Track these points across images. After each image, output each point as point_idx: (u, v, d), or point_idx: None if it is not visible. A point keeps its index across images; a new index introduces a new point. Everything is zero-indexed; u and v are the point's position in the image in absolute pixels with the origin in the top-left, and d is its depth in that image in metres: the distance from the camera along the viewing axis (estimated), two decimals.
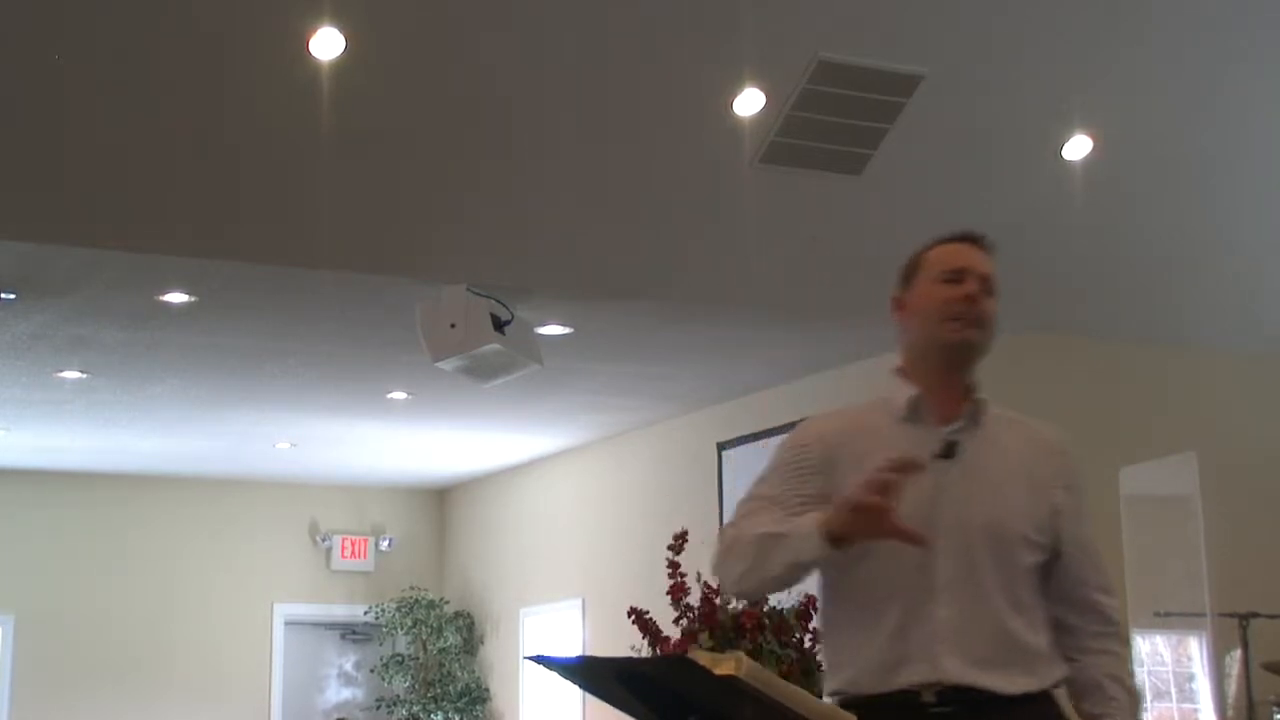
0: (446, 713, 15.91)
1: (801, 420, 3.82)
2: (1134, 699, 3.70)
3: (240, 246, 8.32)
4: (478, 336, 8.72)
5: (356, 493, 16.89)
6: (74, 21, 6.99)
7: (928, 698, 3.49)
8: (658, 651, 6.02)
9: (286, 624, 16.57)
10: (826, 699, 3.66)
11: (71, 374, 11.21)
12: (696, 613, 6.02)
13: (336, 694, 16.95)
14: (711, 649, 5.73)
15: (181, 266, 8.71)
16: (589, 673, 4.00)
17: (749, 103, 7.94)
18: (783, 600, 5.99)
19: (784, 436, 3.81)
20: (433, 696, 15.94)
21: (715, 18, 7.57)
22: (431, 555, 17.30)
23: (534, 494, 15.58)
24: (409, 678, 16.13)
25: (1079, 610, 3.68)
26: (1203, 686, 9.64)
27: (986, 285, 3.68)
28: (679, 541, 6.24)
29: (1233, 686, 9.10)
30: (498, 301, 8.83)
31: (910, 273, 3.81)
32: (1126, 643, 3.79)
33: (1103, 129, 8.48)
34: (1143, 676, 9.57)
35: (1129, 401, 9.77)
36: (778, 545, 3.50)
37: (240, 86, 7.44)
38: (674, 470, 13.22)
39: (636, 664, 3.69)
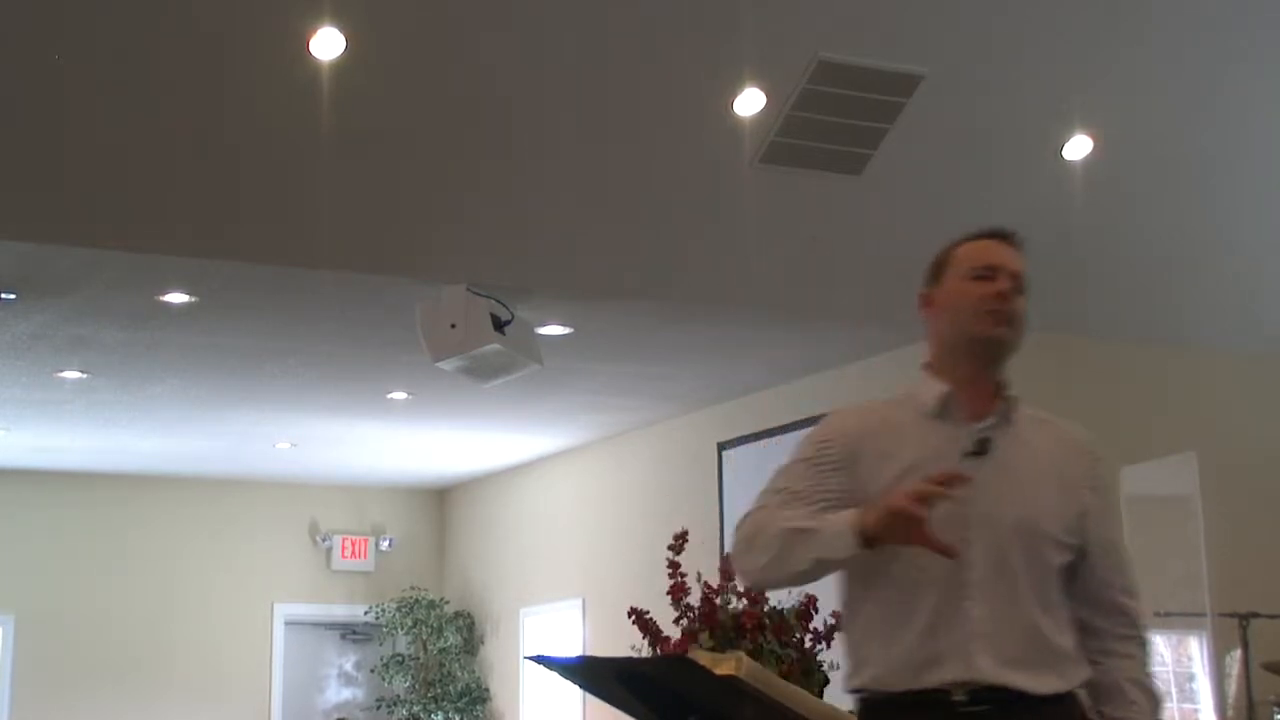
0: (447, 713, 15.91)
1: (824, 415, 3.80)
2: (1155, 703, 3.69)
3: (240, 246, 8.32)
4: (478, 336, 8.72)
5: (357, 493, 16.89)
6: (74, 21, 6.99)
7: (959, 697, 3.47)
8: (658, 651, 6.01)
9: (287, 624, 16.57)
10: (848, 696, 3.65)
11: (71, 374, 11.21)
12: (697, 613, 6.01)
13: (337, 694, 16.94)
14: (712, 649, 5.72)
15: (181, 266, 8.71)
16: (589, 673, 4.01)
17: (749, 103, 7.94)
18: (783, 600, 5.98)
19: (808, 430, 3.77)
20: (433, 696, 15.93)
21: (715, 18, 7.57)
22: (432, 555, 17.30)
23: (534, 494, 15.58)
24: (409, 678, 16.13)
25: (1104, 612, 3.67)
26: (1203, 686, 9.64)
27: (1018, 283, 3.66)
28: (679, 541, 6.22)
29: (1233, 686, 9.10)
30: (498, 301, 8.82)
31: (939, 269, 3.74)
32: (1148, 645, 3.76)
33: (1103, 129, 8.48)
34: None
35: (1129, 401, 9.77)
36: (806, 541, 3.48)
37: (240, 86, 7.44)
38: (674, 470, 13.22)
39: (637, 664, 3.69)
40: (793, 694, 3.39)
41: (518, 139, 8.03)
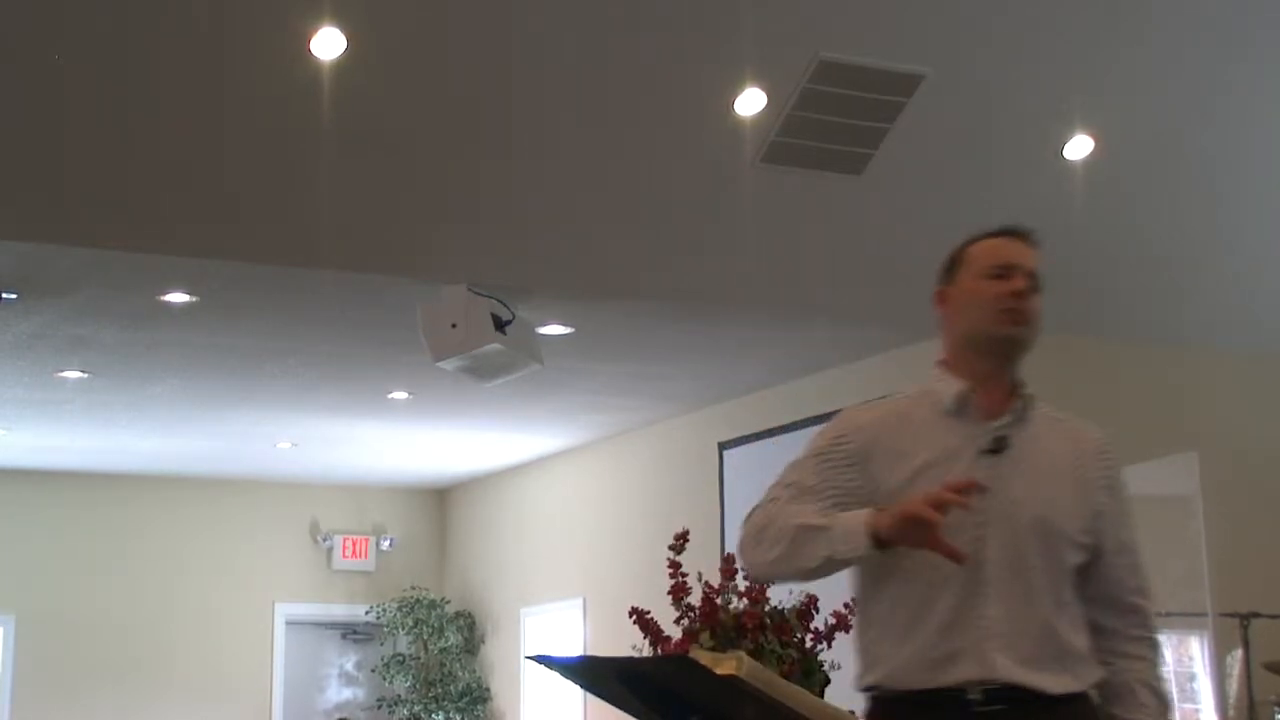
0: (447, 712, 15.91)
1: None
2: (1165, 707, 3.68)
3: (240, 246, 8.32)
4: (479, 336, 8.72)
5: (357, 492, 16.89)
6: (74, 21, 6.99)
7: (974, 695, 3.46)
8: (659, 651, 6.00)
9: (287, 624, 16.58)
10: (859, 694, 3.64)
11: (72, 374, 11.21)
12: (697, 612, 6.00)
13: (337, 694, 16.95)
14: (712, 649, 5.71)
15: (182, 266, 8.71)
16: (590, 672, 4.00)
17: (750, 102, 7.94)
18: (784, 600, 5.98)
19: (822, 425, 3.76)
20: (434, 696, 15.94)
21: (715, 18, 7.57)
22: (432, 555, 17.30)
23: (535, 494, 15.58)
24: (410, 677, 16.13)
25: (1117, 613, 3.66)
26: (1204, 686, 9.64)
27: (1034, 281, 3.66)
28: (680, 541, 6.22)
29: (1234, 686, 9.10)
30: (499, 301, 8.82)
31: (953, 267, 3.74)
32: (1159, 648, 3.75)
33: (1103, 129, 8.48)
34: None
35: (1129, 401, 9.76)
36: (817, 538, 3.47)
37: (240, 86, 7.44)
38: (675, 470, 13.22)
39: (637, 664, 3.68)
40: (794, 694, 3.38)
41: (518, 139, 8.03)
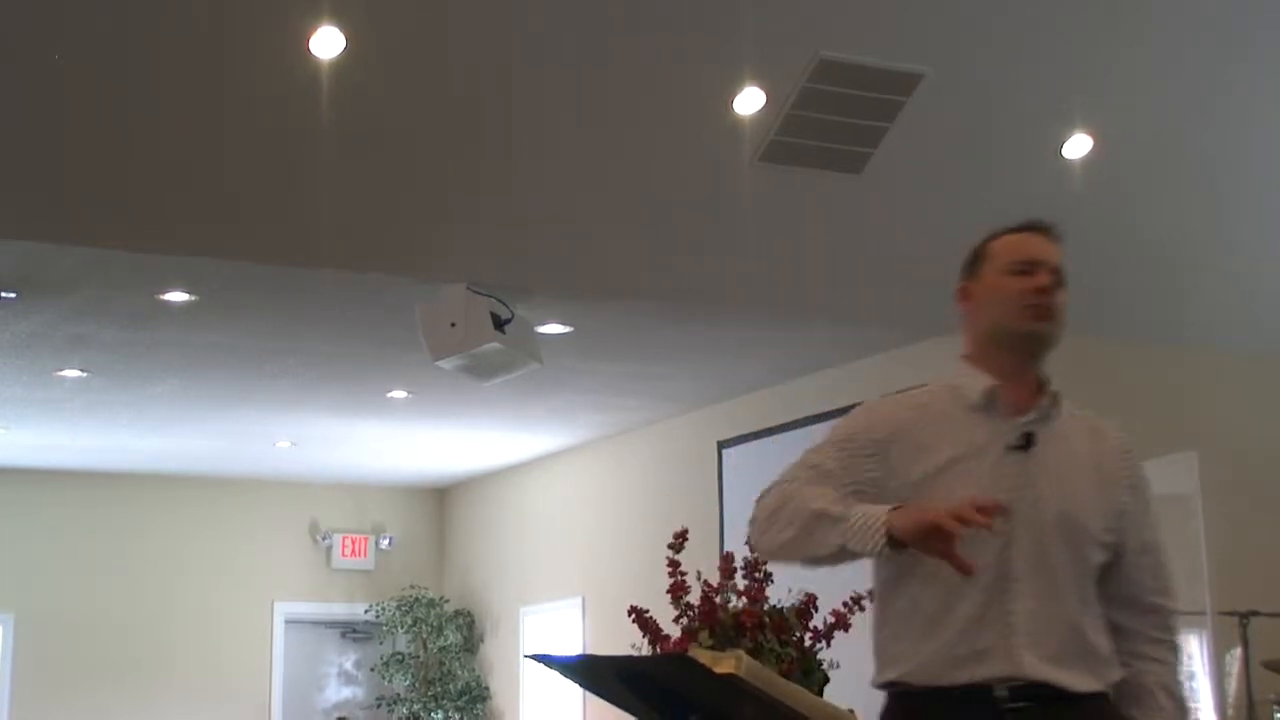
0: (447, 711, 15.92)
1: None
2: (1184, 712, 3.67)
3: (240, 246, 8.32)
4: (478, 335, 8.72)
5: (357, 491, 16.89)
6: (74, 21, 6.98)
7: (1000, 693, 3.44)
8: (658, 650, 6.01)
9: (287, 623, 16.58)
10: (879, 690, 3.62)
11: (71, 373, 11.22)
12: (696, 611, 6.01)
13: (337, 693, 16.95)
14: (712, 647, 5.71)
15: (182, 266, 8.71)
16: (589, 671, 4.00)
17: (749, 101, 7.94)
18: (783, 599, 5.99)
19: (846, 415, 3.73)
20: (433, 695, 15.94)
21: (715, 17, 7.57)
22: (432, 554, 17.30)
23: (534, 493, 15.58)
24: (409, 676, 16.13)
25: (1137, 613, 3.64)
26: (1203, 685, 9.64)
27: (1058, 277, 3.65)
28: (679, 540, 6.22)
29: (1233, 685, 9.10)
30: (498, 300, 8.83)
31: (976, 262, 3.73)
32: (1180, 650, 3.72)
33: (1103, 129, 8.48)
34: None
35: (1129, 401, 9.76)
36: (833, 527, 3.43)
37: (240, 86, 7.44)
38: (674, 469, 13.22)
39: (637, 662, 3.69)
40: (793, 693, 3.38)
41: (517, 139, 8.03)
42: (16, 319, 9.67)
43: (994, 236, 3.75)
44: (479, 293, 8.72)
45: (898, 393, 3.76)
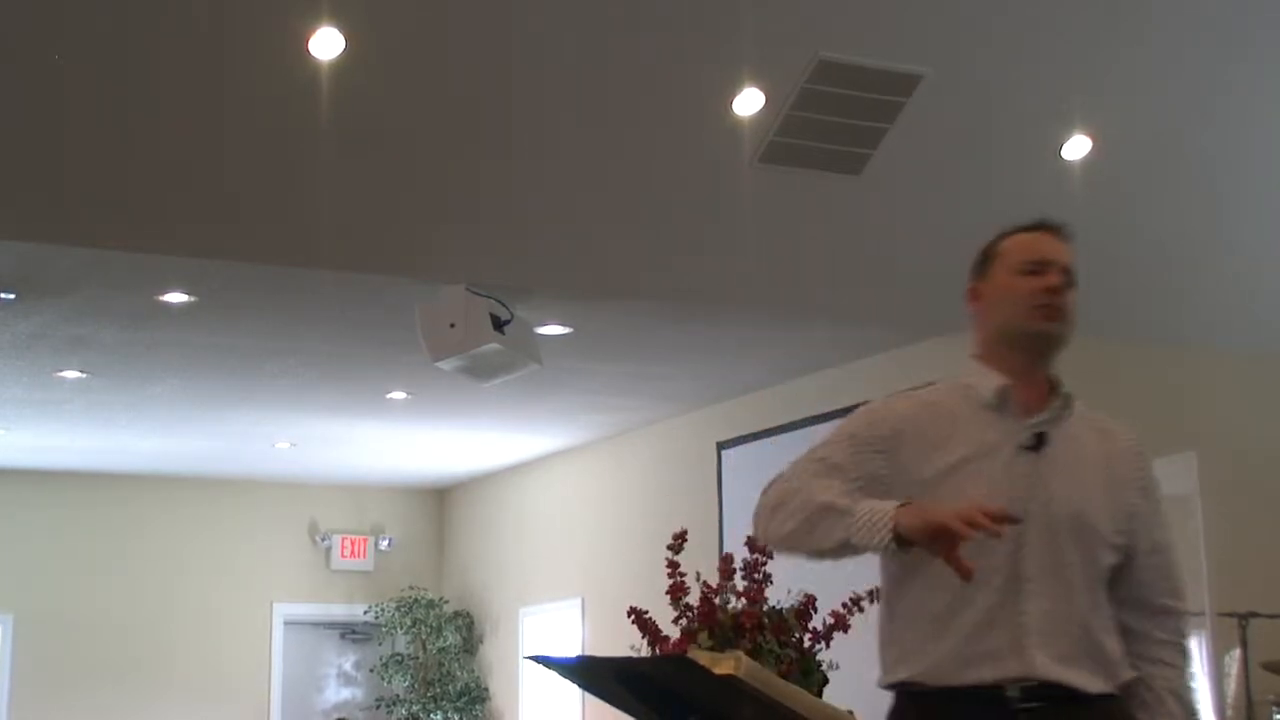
0: (446, 712, 15.92)
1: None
2: (1192, 716, 3.65)
3: (240, 246, 8.31)
4: (477, 336, 8.72)
5: (356, 492, 16.90)
6: (74, 21, 6.97)
7: (1013, 693, 3.43)
8: (657, 651, 6.00)
9: (286, 624, 16.58)
10: (885, 690, 3.62)
11: (71, 374, 11.22)
12: (696, 612, 6.00)
13: (336, 694, 16.95)
14: (711, 648, 5.71)
15: (181, 266, 8.71)
16: (588, 672, 4.00)
17: (748, 102, 7.93)
18: (782, 600, 5.99)
19: (856, 411, 3.71)
20: (432, 696, 15.94)
21: (715, 17, 7.56)
22: (431, 555, 17.31)
23: (533, 494, 15.59)
24: (408, 677, 16.14)
25: (1147, 615, 3.64)
26: (1201, 686, 9.63)
27: (1069, 276, 3.64)
28: (678, 541, 6.22)
29: (1232, 686, 9.09)
30: (497, 301, 8.82)
31: (986, 262, 3.72)
32: (1189, 654, 3.71)
33: (1103, 129, 8.47)
34: None
35: (1129, 401, 9.75)
36: (839, 521, 3.42)
37: (240, 86, 7.43)
38: (674, 470, 13.23)
39: (636, 663, 3.68)
40: (792, 693, 3.38)
41: (517, 139, 8.02)
42: (16, 320, 9.67)
43: (1004, 236, 3.74)
44: (478, 293, 8.72)
45: (909, 390, 3.74)
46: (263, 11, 7.14)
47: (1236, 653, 8.82)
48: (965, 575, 3.34)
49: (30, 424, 13.06)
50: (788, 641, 5.93)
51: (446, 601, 16.54)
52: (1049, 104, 8.34)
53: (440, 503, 17.41)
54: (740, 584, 6.05)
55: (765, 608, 6.00)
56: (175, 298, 9.29)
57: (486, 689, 16.12)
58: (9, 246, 8.24)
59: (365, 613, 16.45)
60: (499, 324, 8.81)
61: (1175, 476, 9.33)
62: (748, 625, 5.92)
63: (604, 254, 8.76)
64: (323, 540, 16.81)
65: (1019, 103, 8.31)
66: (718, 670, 3.24)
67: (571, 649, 14.35)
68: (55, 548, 15.69)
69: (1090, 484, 3.57)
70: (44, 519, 15.69)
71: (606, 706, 3.71)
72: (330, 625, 16.94)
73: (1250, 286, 9.83)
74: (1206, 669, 9.45)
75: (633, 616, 6.12)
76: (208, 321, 9.88)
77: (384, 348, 10.57)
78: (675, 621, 6.07)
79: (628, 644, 6.01)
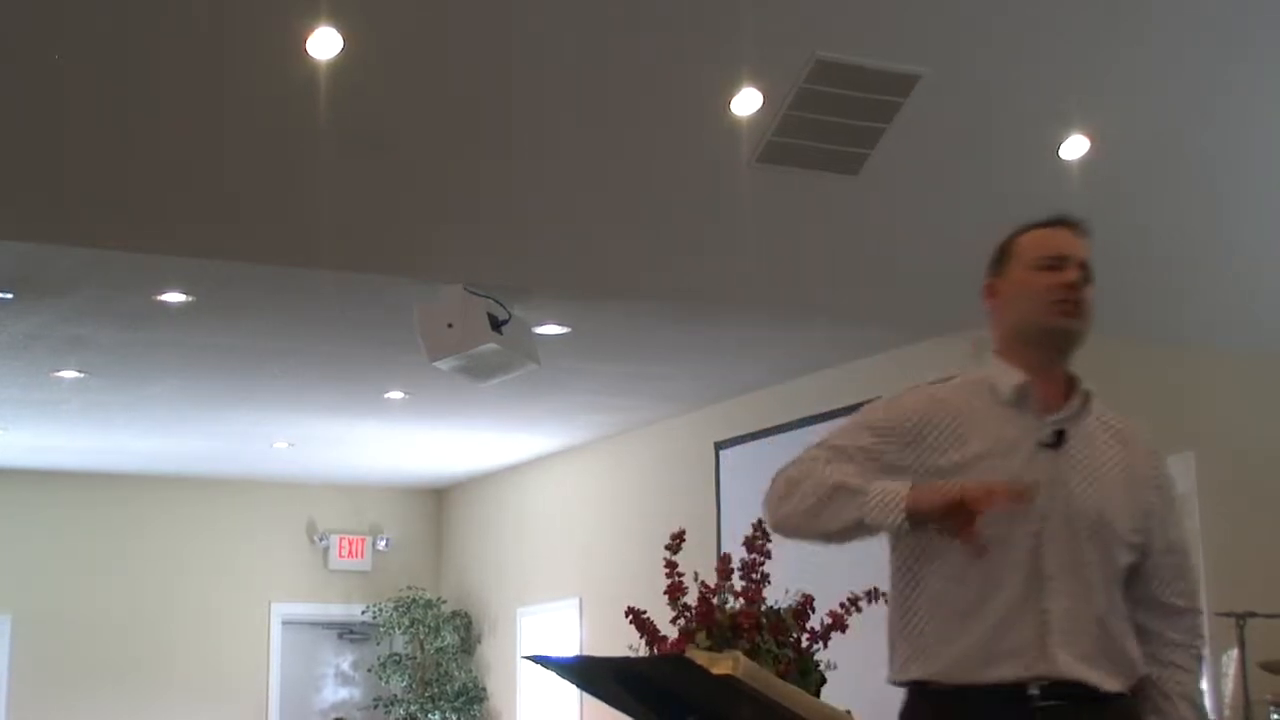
0: (444, 712, 15.91)
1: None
2: None
3: (240, 246, 8.31)
4: (475, 336, 8.71)
5: (354, 492, 16.88)
6: (74, 21, 6.97)
7: (1033, 691, 3.42)
8: (655, 651, 6.00)
9: (284, 624, 16.57)
10: (896, 687, 3.60)
11: (69, 374, 11.21)
12: (694, 612, 6.00)
13: (334, 693, 16.95)
14: (709, 648, 5.71)
15: (180, 266, 8.71)
16: (587, 672, 4.00)
17: (746, 102, 7.92)
18: (780, 600, 5.99)
19: (874, 402, 3.70)
20: (430, 696, 15.93)
21: (715, 17, 7.56)
22: (429, 555, 17.30)
23: (531, 494, 15.58)
24: (406, 677, 16.13)
25: (1160, 615, 3.62)
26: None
27: (1086, 272, 3.62)
28: (676, 541, 6.22)
29: (1229, 686, 9.08)
30: (495, 301, 8.82)
31: (1003, 258, 3.69)
32: (1203, 657, 3.70)
33: (1103, 129, 8.46)
34: None
35: (1128, 401, 9.72)
36: (851, 500, 3.42)
37: (240, 86, 7.43)
38: (672, 470, 13.22)
39: (634, 663, 3.68)
40: (790, 693, 3.38)
41: (517, 139, 8.02)
42: (14, 320, 9.66)
43: (1021, 232, 3.72)
44: (476, 294, 8.71)
45: (926, 384, 3.71)
46: (263, 11, 7.14)
47: (1234, 653, 8.81)
48: (980, 553, 3.35)
49: (28, 424, 13.06)
50: (786, 641, 5.93)
51: (444, 601, 16.53)
52: (1048, 104, 8.34)
53: (438, 503, 17.40)
54: (738, 584, 6.05)
55: (763, 608, 6.00)
56: (173, 298, 9.28)
57: (484, 689, 16.11)
58: (9, 247, 8.23)
59: (363, 613, 16.44)
60: (497, 324, 8.80)
61: (1174, 476, 9.32)
62: (746, 625, 5.92)
63: (603, 254, 8.76)
64: (321, 540, 16.80)
65: (1018, 103, 8.31)
66: (716, 670, 3.24)
67: (569, 649, 14.34)
68: (53, 548, 15.68)
69: (1109, 482, 3.56)
70: (42, 519, 15.68)
71: (604, 706, 3.70)
72: (328, 625, 16.94)
73: (1250, 286, 9.83)
74: (1204, 669, 9.45)
75: (631, 616, 6.12)
76: (206, 321, 9.87)
77: (382, 348, 10.57)
78: (673, 621, 6.07)
79: (626, 644, 6.00)
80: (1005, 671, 3.43)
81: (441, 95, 7.68)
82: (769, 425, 11.83)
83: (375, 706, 16.33)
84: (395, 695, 16.14)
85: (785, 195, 8.52)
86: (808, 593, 6.04)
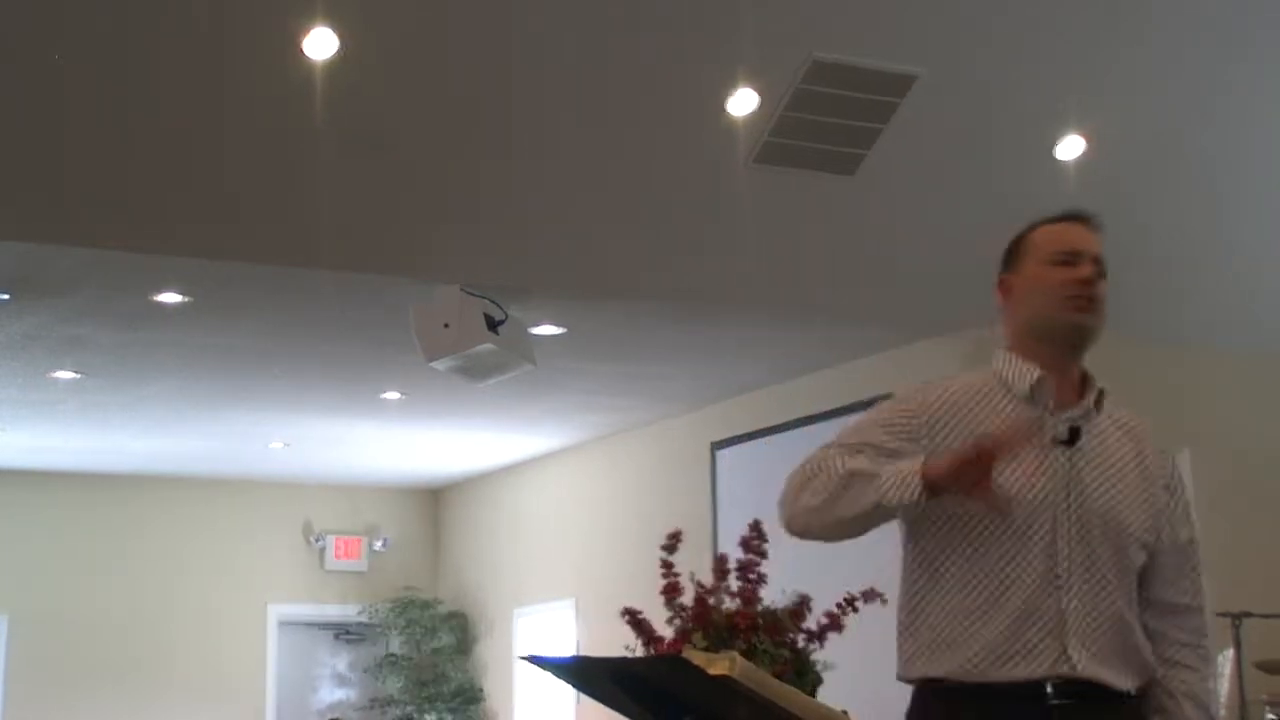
0: (440, 713, 15.90)
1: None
2: None
3: (239, 246, 8.31)
4: (471, 336, 8.71)
5: (350, 493, 16.87)
6: (74, 21, 6.97)
7: (1049, 689, 3.40)
8: (651, 651, 5.99)
9: (280, 624, 16.56)
10: (907, 685, 3.59)
11: (65, 374, 11.20)
12: (690, 612, 5.99)
13: (330, 694, 16.94)
14: (705, 649, 5.70)
15: (178, 267, 8.70)
16: (583, 673, 3.99)
17: (743, 103, 7.91)
18: (776, 600, 5.98)
19: (888, 399, 3.67)
20: (426, 697, 15.92)
21: (715, 17, 7.55)
22: (425, 555, 17.29)
23: (528, 494, 15.57)
24: (402, 678, 16.12)
25: (1168, 615, 3.60)
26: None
27: (1100, 267, 3.60)
28: (672, 541, 6.21)
29: (1225, 686, 9.07)
30: (491, 301, 8.81)
31: (1015, 254, 3.66)
32: (1210, 658, 3.67)
33: (1102, 129, 8.46)
34: None
35: (1128, 401, 9.72)
36: (867, 484, 3.39)
37: (240, 87, 7.43)
38: (668, 470, 13.21)
39: (630, 664, 3.66)
40: (786, 694, 3.36)
41: (517, 139, 8.02)
42: (10, 320, 9.65)
43: (1033, 227, 3.69)
44: (473, 294, 8.71)
45: (941, 379, 3.69)
46: (262, 11, 7.14)
47: (1230, 652, 8.80)
48: (1002, 508, 3.35)
49: (24, 424, 13.05)
50: (782, 641, 5.93)
51: (441, 602, 16.52)
52: (1047, 104, 8.33)
53: (434, 503, 17.40)
54: (735, 584, 6.05)
55: (760, 608, 6.00)
56: (170, 298, 9.27)
57: (481, 689, 16.10)
58: (8, 247, 8.23)
59: (359, 613, 16.43)
60: (493, 324, 8.80)
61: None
62: (742, 625, 5.92)
63: (598, 254, 8.76)
64: (317, 541, 16.79)
65: (1016, 103, 8.30)
66: (712, 670, 3.22)
67: (566, 649, 14.33)
68: (50, 548, 15.67)
69: (1122, 480, 3.55)
70: (39, 519, 15.67)
71: (600, 707, 3.69)
72: (324, 626, 16.92)
73: (1250, 286, 9.83)
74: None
75: (627, 617, 6.11)
76: (202, 322, 9.86)
77: (379, 348, 10.56)
78: (669, 622, 6.07)
79: (622, 644, 6.00)
80: (1021, 670, 3.41)
81: (441, 95, 7.68)
82: (765, 425, 11.82)
83: (372, 707, 16.32)
84: (392, 696, 16.13)
85: (782, 195, 8.52)
86: (804, 593, 6.02)
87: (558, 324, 9.93)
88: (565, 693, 13.12)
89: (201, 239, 8.15)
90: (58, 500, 15.66)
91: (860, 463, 3.45)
